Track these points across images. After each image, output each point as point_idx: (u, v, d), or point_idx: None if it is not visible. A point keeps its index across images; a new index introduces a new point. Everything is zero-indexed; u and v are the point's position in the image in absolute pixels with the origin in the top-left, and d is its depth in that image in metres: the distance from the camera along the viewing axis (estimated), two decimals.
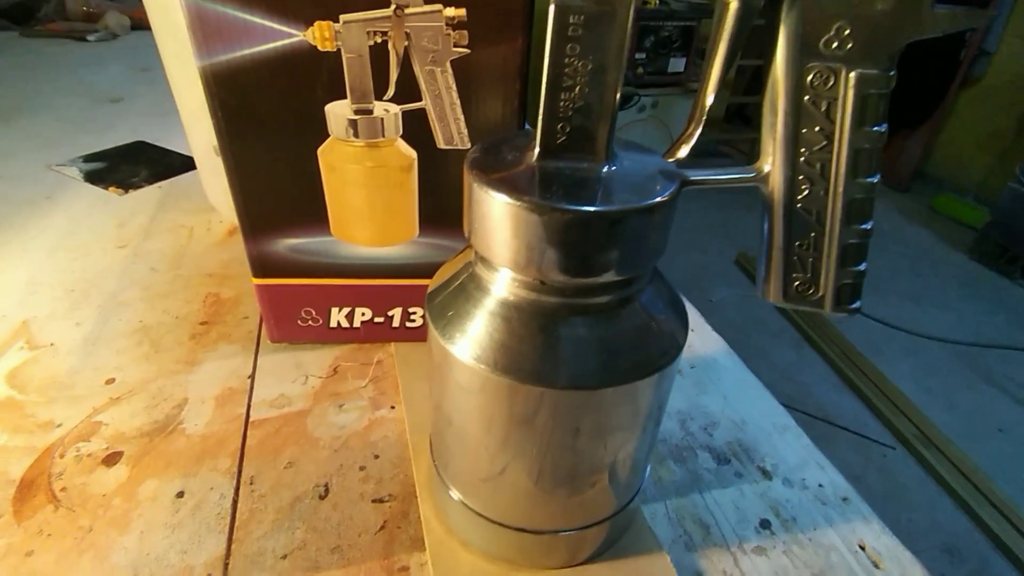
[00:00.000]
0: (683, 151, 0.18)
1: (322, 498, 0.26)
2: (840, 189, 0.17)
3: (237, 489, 0.26)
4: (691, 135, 0.18)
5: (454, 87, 0.26)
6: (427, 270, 0.32)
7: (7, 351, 0.33)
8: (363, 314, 0.34)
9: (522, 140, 0.19)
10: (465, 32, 0.25)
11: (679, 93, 2.31)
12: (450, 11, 0.24)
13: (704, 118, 0.17)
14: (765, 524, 0.26)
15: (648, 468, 0.25)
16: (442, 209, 0.30)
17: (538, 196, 0.17)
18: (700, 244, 2.11)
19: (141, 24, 1.08)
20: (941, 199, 2.47)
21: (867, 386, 1.59)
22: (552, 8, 0.15)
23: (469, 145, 0.28)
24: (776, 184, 0.17)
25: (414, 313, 0.34)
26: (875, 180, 0.17)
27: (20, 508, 0.25)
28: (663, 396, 0.21)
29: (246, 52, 0.25)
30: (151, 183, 0.53)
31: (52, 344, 0.34)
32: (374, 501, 0.26)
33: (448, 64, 0.26)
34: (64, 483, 0.26)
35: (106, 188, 0.52)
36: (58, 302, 0.38)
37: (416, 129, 0.27)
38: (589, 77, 0.16)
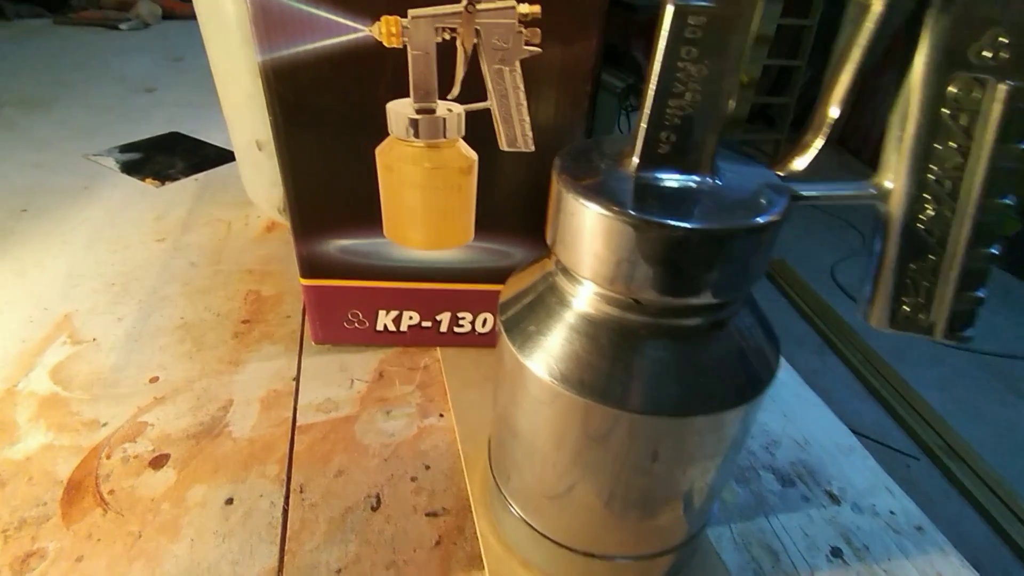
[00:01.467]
0: (798, 163, 0.16)
1: (374, 509, 0.25)
2: (971, 210, 0.16)
3: (287, 497, 0.26)
4: (810, 147, 0.16)
5: (522, 87, 0.25)
6: (479, 275, 0.31)
7: (51, 345, 0.33)
8: (411, 318, 0.33)
9: (614, 147, 0.18)
10: (538, 30, 0.24)
11: None
12: (524, 8, 0.23)
13: (828, 131, 0.16)
14: (837, 552, 0.25)
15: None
16: (499, 213, 0.29)
17: (636, 209, 0.15)
18: None
19: (172, 13, 1.08)
20: None
21: (891, 394, 1.56)
22: (669, 8, 0.14)
23: (533, 148, 0.27)
24: (897, 202, 0.16)
25: (463, 318, 0.33)
26: (1011, 202, 0.15)
27: (68, 511, 0.25)
28: (749, 425, 0.20)
29: (308, 47, 0.24)
30: (187, 175, 0.52)
31: (95, 339, 0.34)
32: (428, 515, 0.25)
33: (517, 63, 0.25)
34: (112, 485, 0.26)
35: (143, 180, 0.51)
36: (99, 296, 0.37)
37: (477, 129, 0.26)
38: (702, 84, 0.15)
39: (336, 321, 0.33)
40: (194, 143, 0.59)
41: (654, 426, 0.18)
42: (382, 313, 0.32)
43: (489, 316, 0.33)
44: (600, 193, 0.16)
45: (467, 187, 0.28)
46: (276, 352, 0.34)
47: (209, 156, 0.56)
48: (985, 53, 0.13)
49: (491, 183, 0.28)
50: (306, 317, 0.34)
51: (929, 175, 0.15)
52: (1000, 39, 0.13)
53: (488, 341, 0.34)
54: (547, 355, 0.18)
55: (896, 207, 0.16)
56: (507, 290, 0.21)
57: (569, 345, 0.18)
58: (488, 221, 0.29)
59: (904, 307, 0.18)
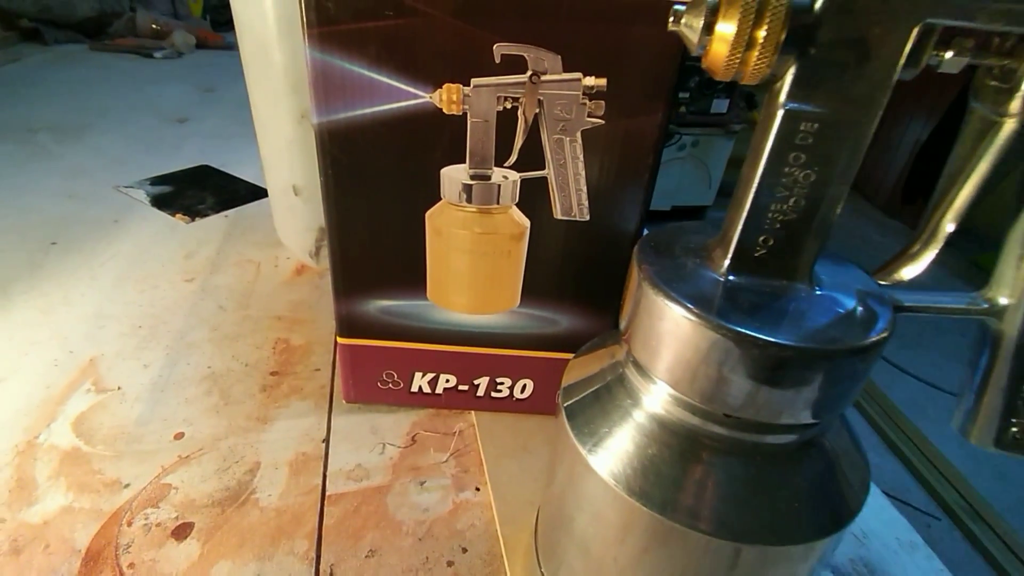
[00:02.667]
0: (906, 273, 0.15)
1: None
2: None
3: None
4: (918, 257, 0.15)
5: (581, 157, 0.24)
6: (522, 341, 0.30)
7: (74, 393, 0.32)
8: (447, 380, 0.31)
9: (699, 238, 0.17)
10: (602, 102, 0.23)
11: (720, 134, 2.29)
12: (590, 80, 0.23)
13: (941, 243, 0.15)
14: None
15: None
16: (547, 280, 0.28)
17: (727, 317, 0.14)
18: None
19: (205, 43, 1.11)
20: (988, 257, 2.39)
21: (910, 449, 1.52)
22: (780, 113, 0.13)
23: (588, 217, 0.26)
24: (1014, 321, 0.15)
25: (502, 383, 0.31)
26: None
27: None
28: (836, 547, 0.18)
29: (366, 111, 0.23)
30: (217, 211, 0.52)
31: (119, 388, 0.33)
32: None
33: (578, 134, 0.24)
34: (132, 557, 0.24)
35: (173, 215, 0.51)
36: (126, 339, 0.36)
37: (531, 194, 0.25)
38: (809, 189, 0.14)
39: (370, 381, 0.31)
40: (225, 178, 0.59)
41: (731, 552, 0.16)
42: (418, 375, 0.31)
43: (529, 382, 0.31)
44: (686, 294, 0.15)
45: (516, 253, 0.27)
46: (305, 409, 0.32)
47: (239, 192, 0.56)
48: None
49: (542, 250, 0.27)
50: (337, 374, 0.33)
51: None
52: None
53: (526, 407, 0.32)
54: (613, 457, 0.17)
55: (1012, 326, 0.15)
56: (571, 373, 0.20)
57: (639, 450, 0.17)
58: (535, 287, 0.28)
59: (1013, 428, 0.16)
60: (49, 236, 0.46)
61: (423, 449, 0.31)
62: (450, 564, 0.25)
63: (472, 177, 0.25)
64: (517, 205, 0.26)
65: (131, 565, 0.24)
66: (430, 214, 0.26)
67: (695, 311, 0.14)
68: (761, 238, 0.15)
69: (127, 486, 0.27)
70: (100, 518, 0.26)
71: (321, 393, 0.34)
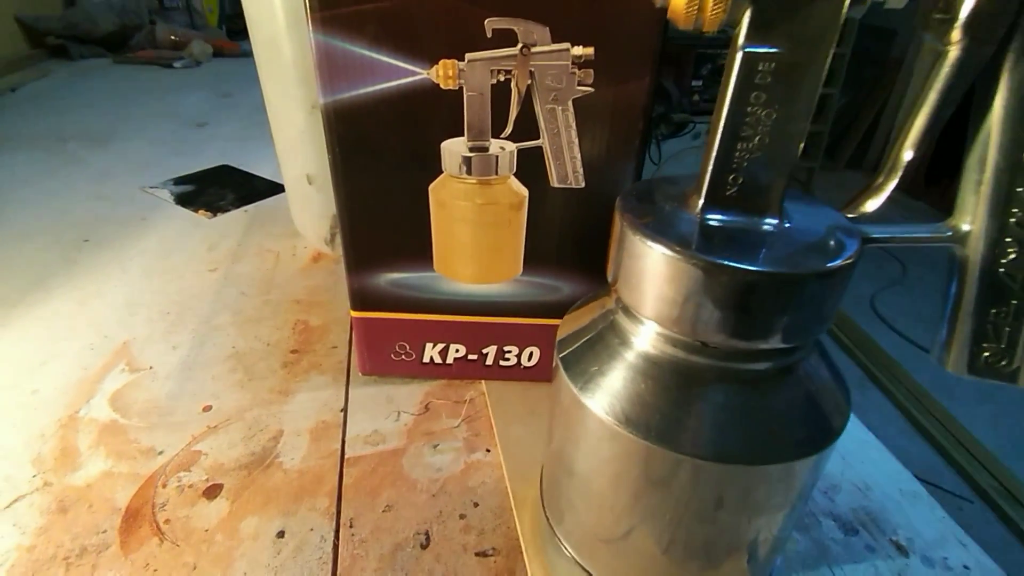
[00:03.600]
0: (870, 205, 0.16)
1: (423, 547, 0.25)
2: None
3: (337, 532, 0.26)
4: (881, 188, 0.16)
5: (574, 126, 0.25)
6: (527, 309, 0.31)
7: (110, 373, 0.34)
8: (457, 350, 0.33)
9: (676, 188, 0.18)
10: (591, 71, 0.24)
11: None
12: (578, 50, 0.24)
13: (900, 173, 0.16)
14: None
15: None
16: (548, 248, 0.29)
17: (703, 250, 0.15)
18: None
19: (222, 52, 1.14)
20: None
21: (939, 431, 1.49)
22: (739, 55, 0.14)
23: (583, 184, 0.27)
24: (976, 246, 0.16)
25: (509, 351, 0.33)
26: None
27: (127, 539, 0.25)
28: (819, 475, 0.19)
29: (369, 90, 0.25)
30: (238, 207, 0.54)
31: (151, 367, 0.35)
32: (477, 554, 0.25)
33: (570, 103, 0.25)
34: (167, 515, 0.26)
35: (196, 211, 0.53)
36: (155, 324, 0.38)
37: (528, 166, 0.27)
38: (772, 127, 0.15)
39: (384, 353, 0.33)
40: (244, 176, 0.61)
41: (720, 473, 0.17)
42: (429, 346, 0.33)
43: (536, 350, 0.33)
44: (665, 234, 0.16)
45: (517, 223, 0.28)
46: (324, 383, 0.34)
47: (258, 188, 0.58)
48: None
49: (541, 218, 0.28)
50: (353, 348, 0.35)
51: (1010, 218, 0.15)
52: None
53: (534, 375, 0.33)
54: (608, 395, 0.18)
55: (975, 251, 0.16)
56: (565, 327, 0.21)
57: (631, 386, 0.18)
58: (537, 256, 0.29)
59: (984, 353, 0.17)
60: (82, 234, 0.49)
61: (436, 416, 0.32)
62: (462, 517, 0.27)
63: (471, 149, 0.26)
64: (515, 175, 0.27)
65: (167, 521, 0.26)
66: (433, 187, 0.27)
67: (672, 247, 0.15)
68: (731, 177, 0.16)
69: (161, 453, 0.29)
70: (137, 481, 0.28)
71: (339, 368, 0.35)
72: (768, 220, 0.16)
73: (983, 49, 0.13)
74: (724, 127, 0.15)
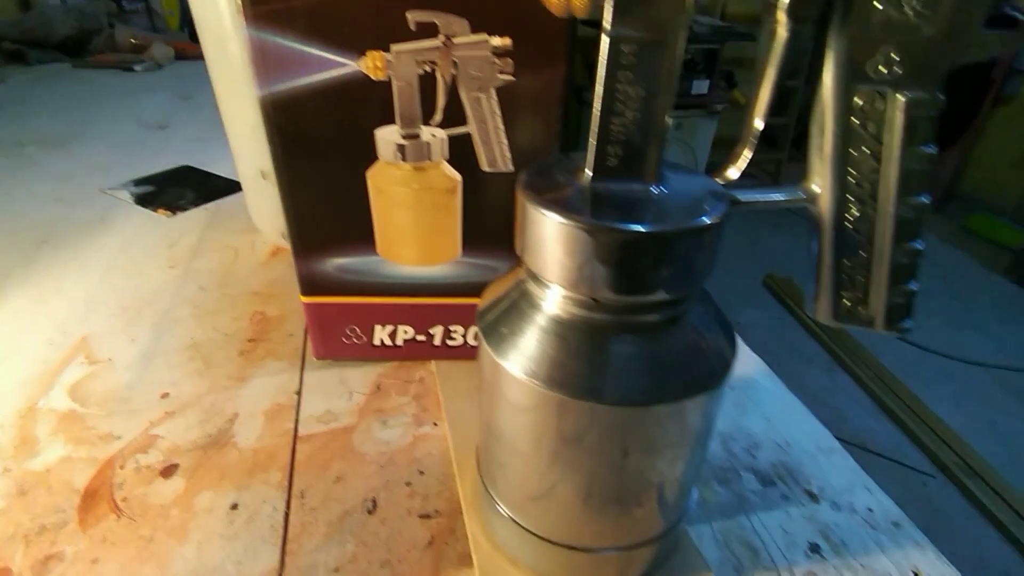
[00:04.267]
0: (733, 173, 0.18)
1: (370, 513, 0.27)
2: (890, 209, 0.17)
3: (288, 502, 0.27)
4: (741, 157, 0.18)
5: (499, 112, 0.27)
6: (469, 289, 0.33)
7: (69, 366, 0.35)
8: (405, 332, 0.34)
9: (572, 163, 0.20)
10: (510, 60, 0.26)
11: (702, 115, 2.32)
12: (496, 41, 0.26)
13: (755, 141, 0.18)
14: (815, 548, 0.26)
15: (695, 489, 0.25)
16: (484, 230, 0.31)
17: (591, 216, 0.17)
18: (728, 266, 2.09)
19: (184, 54, 1.14)
20: (975, 219, 2.42)
21: (904, 412, 1.54)
22: (605, 39, 0.16)
23: (512, 168, 0.29)
24: (825, 205, 0.18)
25: (455, 331, 0.34)
26: (925, 200, 0.17)
27: (85, 517, 0.26)
28: (711, 416, 0.21)
29: (303, 81, 0.26)
30: (197, 205, 0.55)
31: (110, 359, 0.36)
32: (421, 517, 0.27)
33: (493, 91, 0.27)
34: (125, 493, 0.27)
35: (155, 210, 0.54)
36: (114, 319, 0.39)
37: (460, 153, 0.28)
38: (640, 103, 0.17)
39: (335, 337, 0.34)
40: (204, 175, 0.62)
41: (622, 417, 0.19)
42: (378, 328, 0.34)
43: None
44: (558, 204, 0.18)
45: (452, 206, 0.30)
46: (280, 368, 0.35)
47: (218, 187, 0.59)
48: (881, 68, 0.15)
49: (475, 202, 0.30)
50: (307, 334, 0.36)
51: (850, 178, 0.17)
52: (892, 56, 0.15)
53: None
54: (521, 355, 0.20)
55: (825, 209, 0.18)
56: (484, 299, 0.23)
57: (541, 345, 0.20)
58: (474, 238, 0.31)
59: (845, 301, 0.19)
60: (40, 236, 0.49)
61: (387, 395, 0.34)
62: (408, 484, 0.28)
63: (404, 137, 0.28)
64: (448, 161, 0.29)
65: (124, 499, 0.27)
66: (370, 174, 0.29)
67: (564, 213, 0.17)
68: (611, 148, 0.18)
69: (119, 438, 0.30)
70: (95, 464, 0.29)
71: (295, 354, 0.37)
72: (648, 186, 0.18)
73: (804, 27, 0.15)
74: (601, 104, 0.17)
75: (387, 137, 0.28)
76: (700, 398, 0.19)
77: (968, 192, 2.56)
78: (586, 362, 0.19)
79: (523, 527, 0.23)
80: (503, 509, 0.24)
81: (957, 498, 1.33)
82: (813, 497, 0.28)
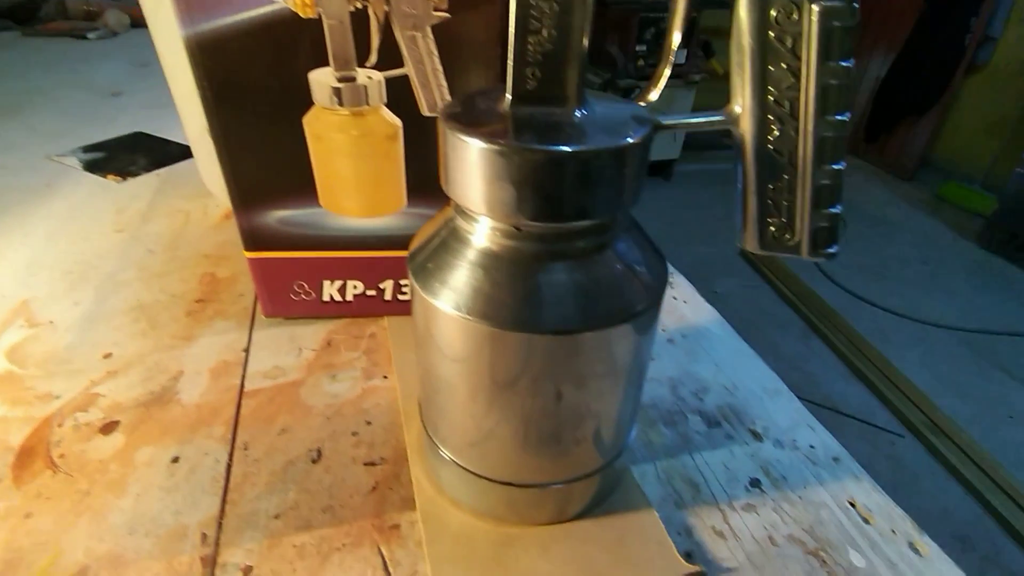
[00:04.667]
0: (653, 94, 0.18)
1: (315, 462, 0.27)
2: (810, 128, 0.17)
3: (231, 454, 0.27)
4: (662, 77, 0.18)
5: (436, 53, 0.27)
6: None
7: (7, 329, 0.34)
8: (355, 287, 0.34)
9: (496, 92, 0.20)
10: None
11: (680, 85, 2.30)
12: None
13: (672, 59, 0.17)
14: (755, 483, 0.26)
15: (635, 426, 0.25)
16: (429, 178, 0.30)
17: (510, 139, 0.17)
18: (704, 236, 2.10)
19: (140, 22, 1.09)
20: (948, 187, 2.45)
21: (875, 375, 1.58)
22: None
23: None
24: (747, 126, 0.18)
25: (405, 285, 0.34)
26: (845, 118, 0.17)
27: (19, 474, 0.26)
28: (642, 346, 0.21)
29: (229, 20, 0.25)
30: (149, 171, 0.54)
31: (51, 322, 0.35)
32: (366, 464, 0.27)
33: (429, 29, 0.26)
34: (63, 450, 0.27)
35: (104, 176, 0.52)
36: (57, 283, 0.38)
37: (400, 97, 0.28)
38: (556, 19, 0.16)
39: (283, 293, 0.34)
40: (158, 141, 0.60)
41: (549, 346, 0.19)
42: (327, 284, 0.34)
43: None
44: (477, 129, 0.17)
45: (395, 154, 0.29)
46: (228, 327, 0.35)
47: (172, 153, 0.57)
48: None
49: (418, 149, 0.29)
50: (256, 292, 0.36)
51: (769, 96, 0.17)
52: None
53: None
54: (451, 291, 0.20)
55: (747, 131, 0.18)
56: (415, 240, 0.22)
57: (470, 279, 0.19)
58: (419, 187, 0.30)
59: (771, 228, 0.19)
60: None
61: (337, 350, 0.33)
62: (355, 434, 0.28)
63: (339, 80, 0.27)
64: (387, 106, 0.28)
65: (61, 456, 0.26)
66: (307, 120, 0.28)
67: (483, 137, 0.17)
68: (529, 71, 0.17)
69: (57, 397, 0.30)
70: (32, 423, 0.28)
71: (244, 314, 0.36)
72: (569, 109, 0.18)
73: None
74: (516, 23, 0.17)
75: (321, 80, 0.27)
76: (627, 326, 0.19)
77: (941, 160, 2.59)
78: (513, 292, 0.19)
79: (463, 467, 0.23)
80: (444, 452, 0.24)
81: (924, 456, 1.38)
82: (757, 436, 0.29)
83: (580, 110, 0.18)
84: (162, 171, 0.54)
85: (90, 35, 0.99)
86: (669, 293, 0.39)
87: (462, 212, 0.20)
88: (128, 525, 0.24)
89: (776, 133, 0.17)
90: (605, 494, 0.25)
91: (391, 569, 0.22)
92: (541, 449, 0.22)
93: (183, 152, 0.57)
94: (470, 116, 0.18)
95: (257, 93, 0.27)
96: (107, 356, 0.32)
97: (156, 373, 0.31)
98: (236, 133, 0.28)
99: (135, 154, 0.57)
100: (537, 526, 0.24)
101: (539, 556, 0.23)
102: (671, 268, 0.41)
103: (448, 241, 0.20)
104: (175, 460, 0.26)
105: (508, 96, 0.18)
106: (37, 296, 0.37)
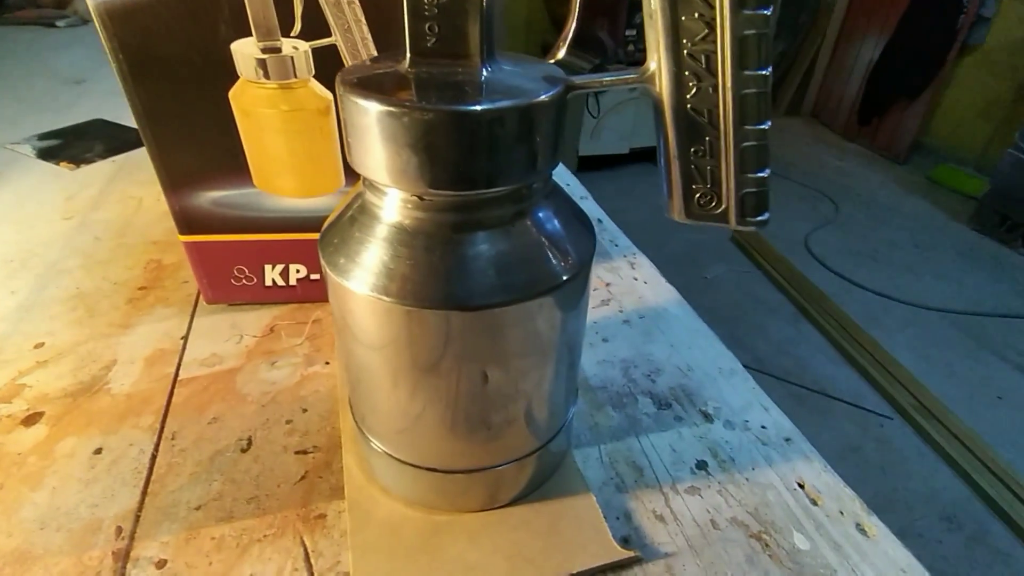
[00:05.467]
0: (561, 52, 0.17)
1: (244, 451, 0.26)
2: (728, 83, 0.16)
3: (157, 445, 0.26)
4: (568, 32, 0.16)
5: (363, 20, 0.25)
6: None
7: None
8: (298, 271, 0.33)
9: (393, 56, 0.18)
10: None
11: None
12: None
13: (578, 12, 0.16)
14: (701, 465, 0.25)
15: (573, 407, 0.24)
16: None
17: (407, 99, 0.15)
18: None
19: None
20: (940, 170, 2.44)
21: (864, 357, 1.58)
22: None
23: None
24: (663, 83, 0.16)
25: None
26: (767, 72, 0.16)
27: None
28: (570, 320, 0.20)
29: None
30: (104, 158, 0.52)
31: None
32: (297, 453, 0.26)
33: None
34: None
35: (57, 163, 0.51)
36: None
37: (329, 69, 0.26)
38: None
39: (224, 279, 0.33)
40: (116, 128, 0.59)
41: (463, 322, 0.18)
42: (268, 268, 0.32)
43: None
44: (374, 89, 0.16)
45: (328, 129, 0.28)
46: (168, 315, 0.34)
47: (130, 139, 0.56)
48: None
49: None
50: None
51: (683, 50, 0.16)
52: None
53: None
54: (362, 270, 0.18)
55: (664, 89, 0.16)
56: (326, 221, 0.21)
57: (379, 256, 0.18)
58: None
59: (697, 195, 0.18)
60: None
61: (279, 337, 0.32)
62: (288, 422, 0.27)
63: (263, 51, 0.26)
64: (318, 79, 0.27)
65: None
66: (232, 94, 0.27)
67: (376, 97, 0.15)
68: (427, 26, 0.16)
69: None
70: None
71: (187, 301, 0.35)
72: (474, 67, 0.17)
73: None
74: None
75: (245, 51, 0.26)
76: (549, 298, 0.18)
77: (934, 143, 2.57)
78: (425, 268, 0.18)
79: (390, 455, 0.22)
80: (372, 441, 0.23)
81: (912, 437, 1.37)
82: (707, 417, 0.28)
83: (486, 68, 0.17)
84: (119, 157, 0.52)
85: (59, 23, 0.97)
86: (630, 273, 0.38)
87: (370, 186, 0.19)
88: (40, 519, 0.23)
89: (694, 90, 0.16)
90: (541, 479, 0.24)
91: (312, 560, 0.21)
92: (469, 433, 0.21)
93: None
94: (367, 79, 0.17)
95: (178, 66, 0.26)
96: (38, 346, 0.31)
97: (88, 362, 0.30)
98: (158, 110, 0.27)
99: (92, 141, 0.55)
100: (469, 513, 0.23)
101: (468, 544, 0.22)
102: (635, 250, 0.40)
103: (357, 217, 0.19)
104: (98, 451, 0.25)
105: (406, 56, 0.17)
106: None
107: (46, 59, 0.82)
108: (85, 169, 0.50)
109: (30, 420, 0.27)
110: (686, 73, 0.16)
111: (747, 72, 0.16)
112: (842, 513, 0.23)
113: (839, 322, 1.69)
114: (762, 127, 0.16)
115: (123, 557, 0.21)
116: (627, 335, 0.33)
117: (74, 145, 0.54)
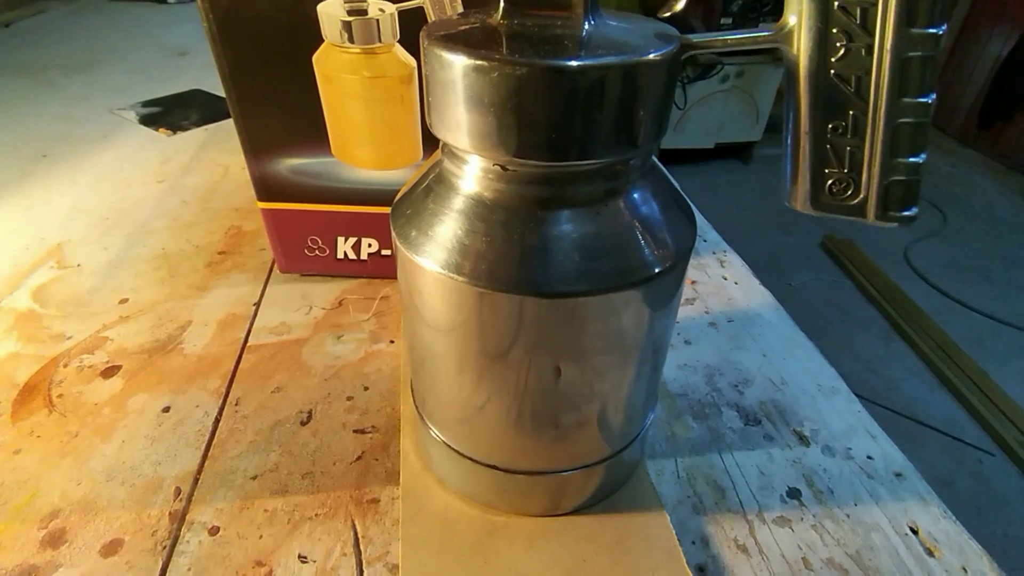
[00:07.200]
0: (680, 4, 0.14)
1: (303, 424, 0.25)
2: (889, 44, 0.13)
3: (221, 409, 0.26)
4: None
5: None
6: None
7: (39, 269, 0.35)
8: (369, 245, 0.32)
9: (484, 11, 0.16)
10: None
11: (767, 62, 2.14)
12: None
13: None
14: (794, 493, 0.22)
15: (652, 414, 0.22)
16: None
17: (497, 52, 0.14)
18: (783, 225, 1.97)
19: None
20: None
21: (965, 384, 1.43)
22: None
23: None
24: (803, 42, 0.13)
25: None
26: (940, 32, 0.13)
27: (18, 410, 0.26)
28: (657, 319, 0.18)
29: None
30: (199, 126, 0.54)
31: (79, 265, 0.35)
32: (356, 431, 0.25)
33: None
34: (62, 390, 0.26)
35: (156, 129, 0.53)
36: (92, 228, 0.39)
37: (415, 35, 0.25)
38: None
39: (297, 248, 0.32)
40: (213, 98, 0.61)
41: (541, 310, 0.16)
42: (341, 240, 0.32)
43: None
44: (461, 42, 0.14)
45: (410, 98, 0.27)
46: (244, 280, 0.34)
47: (223, 110, 0.57)
48: None
49: None
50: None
51: (834, 4, 0.13)
52: None
53: None
54: (434, 245, 0.17)
55: (803, 50, 0.14)
56: (399, 194, 0.20)
57: (455, 230, 0.17)
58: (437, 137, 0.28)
59: (828, 181, 0.15)
60: (41, 151, 0.49)
61: (347, 311, 0.32)
62: (349, 399, 0.26)
63: (349, 12, 0.25)
64: (402, 45, 0.25)
65: (60, 396, 0.26)
66: (316, 58, 0.26)
67: (462, 51, 0.14)
68: None
69: (69, 338, 0.29)
70: (41, 361, 0.28)
71: (262, 268, 0.35)
72: (575, 20, 0.14)
73: None
74: None
75: (331, 13, 0.25)
76: (637, 292, 0.16)
77: None
78: (503, 246, 0.16)
79: (449, 446, 0.21)
80: (431, 428, 0.21)
81: (1016, 478, 1.24)
82: (803, 440, 0.25)
83: (589, 20, 0.15)
84: (212, 126, 0.54)
85: (171, 0, 1.02)
86: (719, 272, 0.35)
87: (449, 153, 0.17)
88: (108, 471, 0.23)
89: (841, 52, 0.13)
90: (610, 489, 0.22)
91: (362, 547, 0.20)
92: (535, 432, 0.19)
93: None
94: (456, 34, 0.15)
95: (264, 27, 0.25)
96: (123, 301, 0.32)
97: (166, 321, 0.31)
98: (243, 73, 0.26)
99: (189, 109, 0.57)
100: (528, 517, 0.21)
101: (524, 550, 0.20)
102: (725, 246, 0.37)
103: (433, 188, 0.18)
104: (166, 410, 0.26)
105: (501, 6, 0.15)
106: (72, 240, 0.37)
107: (155, 33, 0.87)
108: (180, 136, 0.52)
109: (108, 372, 0.27)
110: (834, 31, 0.13)
111: (915, 30, 0.13)
112: (965, 570, 0.20)
113: (938, 343, 1.55)
114: (925, 100, 0.13)
115: (179, 519, 0.21)
116: (713, 339, 0.30)
117: (173, 113, 0.57)
